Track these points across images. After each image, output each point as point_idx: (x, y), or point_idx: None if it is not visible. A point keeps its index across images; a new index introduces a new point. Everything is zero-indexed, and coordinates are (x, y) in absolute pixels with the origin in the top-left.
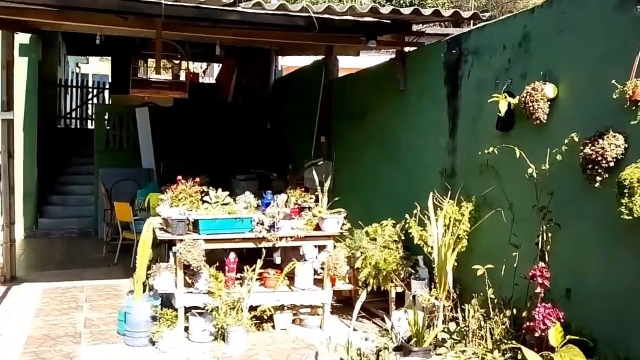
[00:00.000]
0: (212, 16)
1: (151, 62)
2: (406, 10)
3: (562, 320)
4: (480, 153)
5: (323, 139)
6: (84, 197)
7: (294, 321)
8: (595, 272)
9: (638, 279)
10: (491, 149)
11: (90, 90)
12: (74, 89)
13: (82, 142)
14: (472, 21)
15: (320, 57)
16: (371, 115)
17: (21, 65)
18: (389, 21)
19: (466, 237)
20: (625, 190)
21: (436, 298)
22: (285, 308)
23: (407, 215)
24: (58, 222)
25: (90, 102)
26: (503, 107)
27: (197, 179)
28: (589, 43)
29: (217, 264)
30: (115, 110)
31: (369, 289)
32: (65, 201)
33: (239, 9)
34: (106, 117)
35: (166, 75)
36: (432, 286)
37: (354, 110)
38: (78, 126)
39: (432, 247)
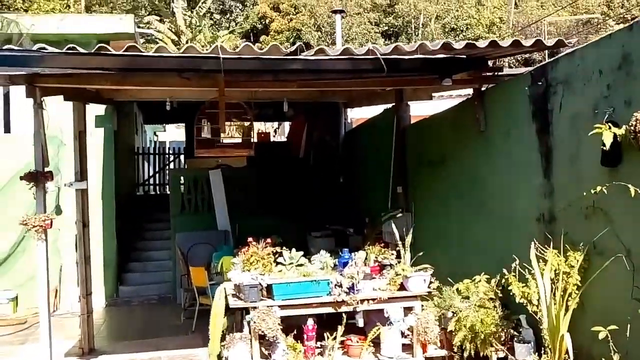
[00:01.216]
0: (274, 67)
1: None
2: (482, 44)
3: None
4: (585, 194)
5: (400, 189)
6: (163, 263)
7: None
8: None
9: None
10: (598, 188)
11: (167, 156)
12: (152, 156)
13: (160, 207)
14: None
15: (389, 105)
16: (451, 161)
17: (98, 136)
18: (464, 57)
19: (576, 291)
20: None
21: None
22: None
23: (504, 270)
24: (138, 289)
25: (167, 168)
26: (608, 140)
27: (269, 240)
28: None
29: (295, 331)
30: (189, 174)
31: (466, 354)
32: (144, 268)
33: (300, 57)
34: (181, 181)
35: (235, 136)
36: (543, 351)
37: (431, 157)
38: (157, 192)
39: (536, 306)
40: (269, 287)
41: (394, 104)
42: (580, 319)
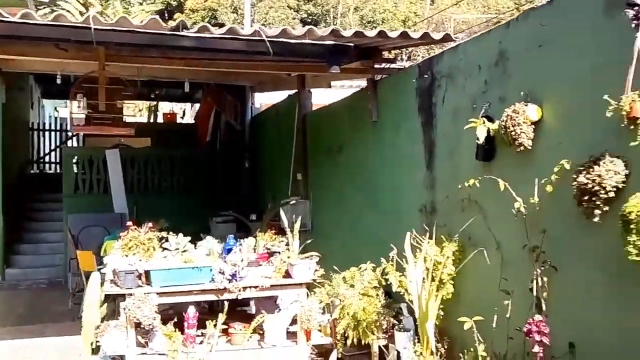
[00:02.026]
0: (159, 42)
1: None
2: (371, 33)
3: None
4: (460, 187)
5: (299, 176)
6: (56, 245)
7: None
8: (603, 324)
9: None
10: (472, 181)
11: (66, 133)
12: (51, 133)
13: (57, 187)
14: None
15: (294, 92)
16: (347, 151)
17: None
18: (351, 45)
19: (451, 281)
20: (632, 226)
21: (421, 354)
22: None
23: (382, 259)
24: (27, 272)
25: (64, 145)
26: (482, 134)
27: (150, 224)
28: (574, 56)
29: (175, 319)
30: (84, 153)
31: (349, 342)
32: (36, 250)
33: (183, 33)
34: (75, 160)
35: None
36: (417, 339)
37: (329, 146)
38: (55, 170)
39: (412, 295)
40: (147, 274)
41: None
42: (455, 308)
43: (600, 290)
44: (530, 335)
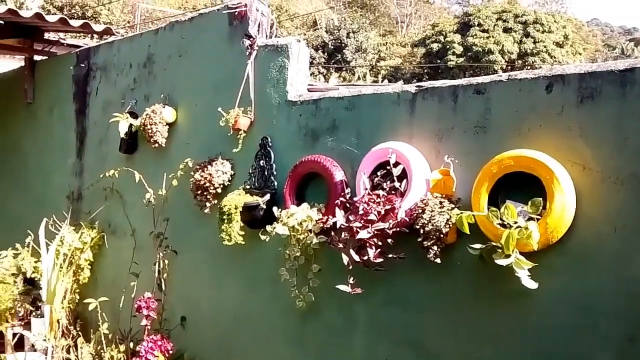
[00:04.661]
0: None
1: None
2: (27, 14)
3: (170, 352)
4: (102, 176)
5: None
6: None
7: None
8: (207, 299)
9: (240, 304)
10: (112, 171)
11: None
12: None
13: None
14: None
15: None
16: None
17: None
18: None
19: (88, 266)
20: (225, 217)
21: (54, 337)
22: None
23: (18, 245)
24: None
25: None
26: (123, 128)
27: None
28: (203, 70)
29: None
30: None
31: None
32: None
33: None
34: None
35: None
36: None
37: None
38: None
39: None
40: None
41: None
42: (93, 292)
43: (207, 271)
44: (140, 311)
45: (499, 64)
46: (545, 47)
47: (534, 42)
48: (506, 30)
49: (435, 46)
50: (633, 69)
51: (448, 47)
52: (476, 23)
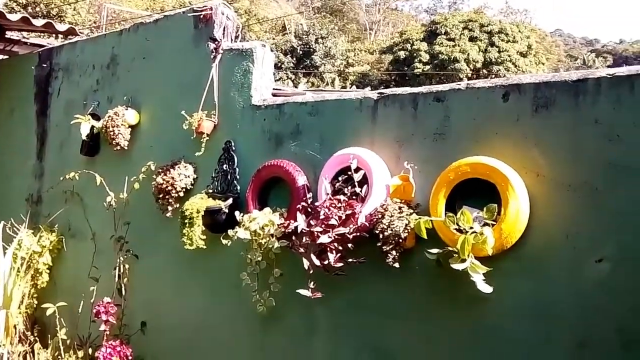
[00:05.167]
0: None
1: None
2: None
3: (129, 358)
4: (62, 179)
5: None
6: None
7: None
8: (168, 304)
9: (202, 309)
10: (72, 174)
11: None
12: None
13: None
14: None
15: None
16: None
17: None
18: None
19: (47, 270)
20: (187, 221)
21: (10, 344)
22: None
23: None
24: None
25: None
26: (85, 130)
27: None
28: (168, 72)
29: None
30: None
31: None
32: None
33: None
34: None
35: None
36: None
37: None
38: None
39: None
40: None
41: None
42: (52, 296)
43: (169, 276)
44: (99, 316)
45: (464, 72)
46: (509, 56)
47: (499, 52)
48: (472, 39)
49: (402, 53)
50: (585, 79)
51: (415, 54)
52: (443, 32)
